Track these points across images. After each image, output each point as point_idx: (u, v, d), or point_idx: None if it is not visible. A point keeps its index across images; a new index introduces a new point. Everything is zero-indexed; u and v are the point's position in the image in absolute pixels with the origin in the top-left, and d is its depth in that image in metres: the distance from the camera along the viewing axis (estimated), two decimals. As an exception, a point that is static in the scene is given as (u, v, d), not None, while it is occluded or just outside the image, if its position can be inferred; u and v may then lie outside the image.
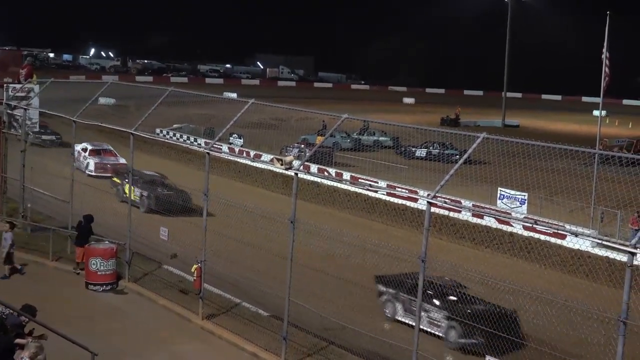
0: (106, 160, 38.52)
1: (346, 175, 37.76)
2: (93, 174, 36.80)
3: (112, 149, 39.64)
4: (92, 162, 38.21)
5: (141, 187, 30.30)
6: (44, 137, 42.83)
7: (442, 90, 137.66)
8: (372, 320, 17.78)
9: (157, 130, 46.28)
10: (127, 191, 27.20)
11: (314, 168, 36.27)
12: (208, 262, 19.00)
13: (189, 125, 52.77)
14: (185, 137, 49.39)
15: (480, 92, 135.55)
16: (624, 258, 11.38)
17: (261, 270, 20.15)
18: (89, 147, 39.27)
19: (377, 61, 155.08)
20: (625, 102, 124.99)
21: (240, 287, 20.08)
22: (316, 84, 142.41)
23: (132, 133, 21.38)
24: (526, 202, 33.04)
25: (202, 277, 18.89)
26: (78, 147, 36.55)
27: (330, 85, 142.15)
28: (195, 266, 19.19)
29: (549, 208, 31.91)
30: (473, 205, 29.92)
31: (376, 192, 31.73)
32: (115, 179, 32.99)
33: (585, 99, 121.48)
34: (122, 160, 36.69)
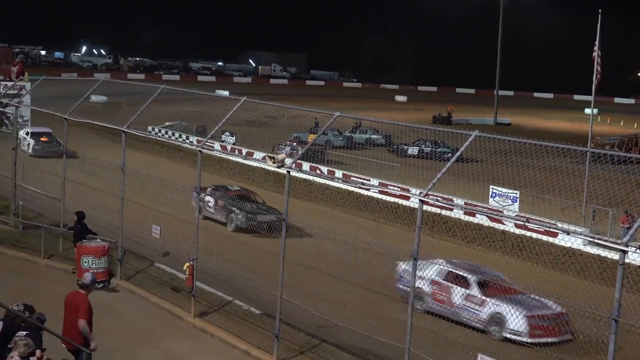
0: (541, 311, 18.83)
1: (338, 173, 37.76)
2: None
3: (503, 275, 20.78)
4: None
5: None
6: (259, 217, 27.28)
7: (434, 88, 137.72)
8: (364, 318, 17.79)
9: (149, 128, 46.24)
10: None
11: (306, 166, 36.25)
12: (200, 259, 18.99)
13: (181, 123, 52.70)
14: (177, 134, 49.34)
15: (472, 90, 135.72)
16: (615, 256, 11.41)
17: (253, 267, 20.15)
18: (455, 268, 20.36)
19: (369, 59, 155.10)
20: (617, 100, 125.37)
21: (232, 285, 20.07)
22: (308, 82, 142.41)
23: (123, 131, 21.34)
24: (518, 200, 33.14)
25: (194, 275, 18.88)
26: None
27: (322, 83, 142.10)
28: (187, 264, 19.17)
29: (540, 206, 32.00)
30: (465, 203, 30.02)
31: (368, 190, 31.75)
32: None
33: (576, 97, 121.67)
34: (558, 308, 18.98)
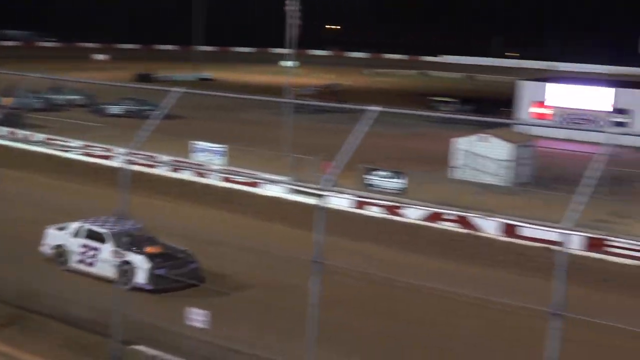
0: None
1: (38, 137, 36.35)
2: None
3: None
4: None
5: None
6: None
7: (137, 46, 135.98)
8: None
9: None
10: None
11: (3, 131, 34.76)
12: None
13: None
14: None
15: (177, 47, 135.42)
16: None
17: None
18: None
19: (68, 17, 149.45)
20: (312, 52, 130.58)
21: None
22: (1, 43, 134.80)
23: None
24: (226, 154, 33.53)
25: None
26: None
27: (19, 43, 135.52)
28: None
29: (248, 159, 32.60)
30: (173, 161, 30.12)
31: (68, 152, 31.02)
32: None
33: (274, 50, 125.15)
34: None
